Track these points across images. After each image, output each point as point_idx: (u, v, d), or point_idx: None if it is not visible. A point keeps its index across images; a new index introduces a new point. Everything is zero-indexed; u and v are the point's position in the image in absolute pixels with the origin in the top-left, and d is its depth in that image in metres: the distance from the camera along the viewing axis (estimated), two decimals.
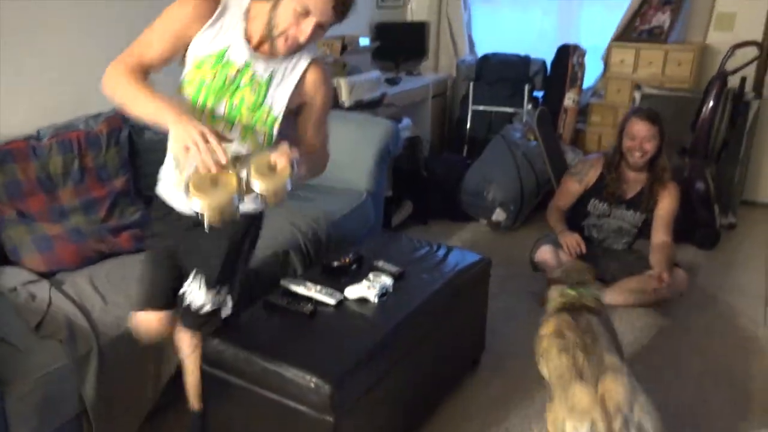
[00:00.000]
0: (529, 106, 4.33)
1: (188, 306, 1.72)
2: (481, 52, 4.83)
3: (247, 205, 1.62)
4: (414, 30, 4.89)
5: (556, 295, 2.05)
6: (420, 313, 1.98)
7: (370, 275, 2.05)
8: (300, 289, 1.99)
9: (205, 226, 1.39)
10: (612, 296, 2.84)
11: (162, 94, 1.44)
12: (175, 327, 1.83)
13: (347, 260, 2.17)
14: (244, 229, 1.71)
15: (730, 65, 3.49)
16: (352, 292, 1.98)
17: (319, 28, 1.46)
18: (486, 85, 4.48)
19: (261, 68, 1.53)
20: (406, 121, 3.83)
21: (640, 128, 2.81)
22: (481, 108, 4.50)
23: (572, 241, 2.92)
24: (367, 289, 1.97)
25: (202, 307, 1.71)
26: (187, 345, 1.85)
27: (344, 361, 1.69)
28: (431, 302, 2.04)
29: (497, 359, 2.49)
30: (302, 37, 1.46)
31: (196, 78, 1.51)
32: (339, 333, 1.82)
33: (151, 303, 1.78)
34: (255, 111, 1.54)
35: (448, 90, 4.95)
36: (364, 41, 4.21)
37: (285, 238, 2.51)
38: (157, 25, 1.50)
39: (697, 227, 3.56)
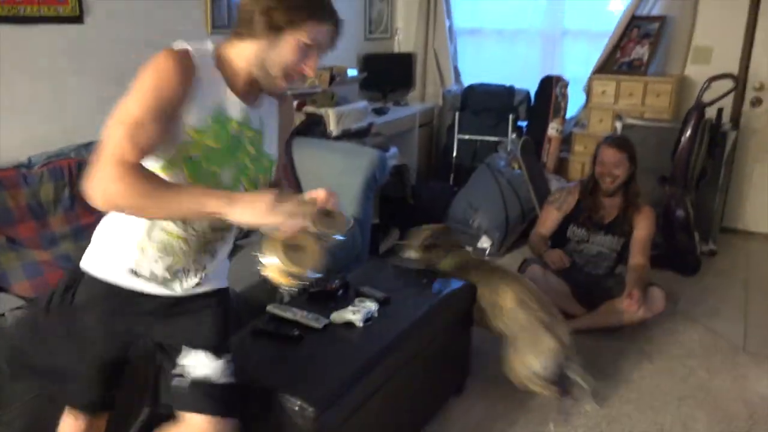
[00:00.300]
0: (514, 136, 4.42)
1: (203, 382, 1.44)
2: (466, 82, 4.95)
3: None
4: (401, 61, 5.00)
5: (448, 258, 2.60)
6: (405, 338, 2.01)
7: (356, 301, 2.09)
8: (287, 315, 2.02)
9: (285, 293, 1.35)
10: (592, 320, 2.90)
11: (177, 183, 1.30)
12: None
13: (333, 286, 2.21)
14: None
15: (708, 97, 3.60)
16: (338, 316, 2.01)
17: (319, 58, 1.39)
18: (471, 114, 4.58)
19: (254, 118, 1.43)
20: (393, 150, 3.90)
21: (609, 154, 2.93)
22: (466, 137, 4.59)
23: (555, 255, 3.00)
24: (352, 314, 2.00)
25: (218, 378, 1.46)
26: None
27: (329, 384, 1.71)
28: (416, 327, 2.07)
29: (482, 384, 2.51)
30: (311, 71, 1.37)
31: (199, 150, 1.34)
32: (324, 357, 1.85)
33: (77, 400, 1.53)
34: (259, 162, 1.46)
35: (435, 119, 5.05)
36: (352, 72, 4.31)
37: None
38: (138, 108, 1.23)
39: (677, 254, 3.63)
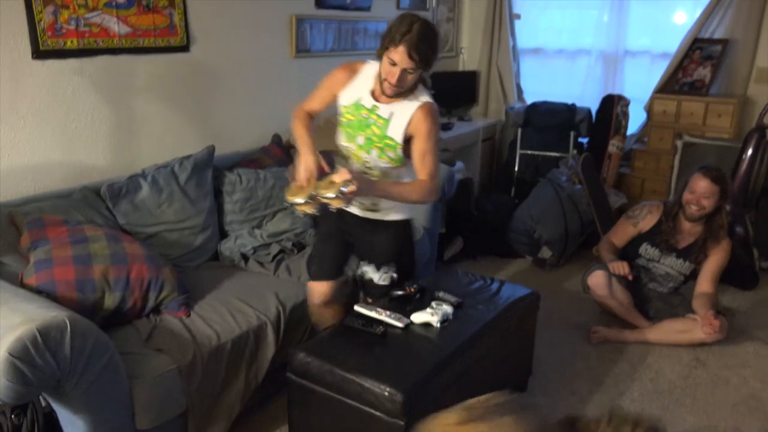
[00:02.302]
0: (575, 152, 4.60)
1: (369, 281, 2.37)
2: (529, 100, 5.15)
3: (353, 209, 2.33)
4: (466, 78, 5.24)
5: None
6: (477, 338, 2.24)
7: (433, 303, 2.33)
8: (372, 314, 2.28)
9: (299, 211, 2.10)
10: (654, 335, 3.05)
11: (310, 132, 2.22)
12: (333, 297, 2.49)
13: (411, 290, 2.46)
14: (394, 231, 2.35)
15: None
16: (418, 317, 2.26)
17: (406, 72, 2.00)
18: (534, 130, 4.77)
19: (384, 110, 2.15)
20: (459, 165, 4.14)
21: (703, 185, 2.97)
22: (528, 152, 4.79)
23: (619, 265, 3.08)
24: (431, 316, 2.25)
25: (378, 280, 2.34)
26: (336, 315, 2.47)
27: (413, 374, 1.97)
28: (486, 329, 2.31)
29: (543, 383, 2.72)
30: (393, 80, 2.02)
31: (344, 119, 2.23)
32: (407, 351, 2.11)
33: (321, 275, 2.47)
34: (382, 140, 2.16)
35: (497, 134, 5.27)
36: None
37: (351, 266, 2.84)
38: (319, 87, 2.29)
39: (737, 269, 3.73)
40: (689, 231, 3.10)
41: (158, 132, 3.02)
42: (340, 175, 1.98)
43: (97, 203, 2.52)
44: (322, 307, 2.50)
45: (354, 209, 2.33)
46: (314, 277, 2.50)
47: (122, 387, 1.87)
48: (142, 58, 2.87)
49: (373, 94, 2.16)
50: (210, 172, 2.87)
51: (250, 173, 3.03)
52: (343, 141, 2.27)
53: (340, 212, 2.23)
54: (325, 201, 2.00)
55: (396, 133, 2.14)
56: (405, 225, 2.38)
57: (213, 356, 2.18)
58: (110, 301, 2.15)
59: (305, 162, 2.10)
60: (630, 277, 3.10)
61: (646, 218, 3.20)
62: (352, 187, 1.96)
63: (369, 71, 2.18)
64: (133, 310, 2.22)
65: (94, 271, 2.13)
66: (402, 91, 2.08)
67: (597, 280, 3.14)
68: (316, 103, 2.30)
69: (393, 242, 2.36)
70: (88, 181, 2.64)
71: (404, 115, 2.13)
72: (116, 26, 2.73)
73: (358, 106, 2.18)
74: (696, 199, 2.99)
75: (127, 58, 2.81)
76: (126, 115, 2.86)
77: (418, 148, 2.14)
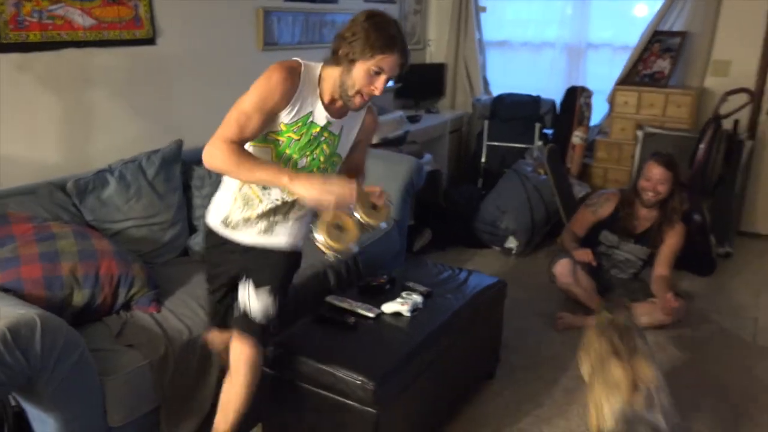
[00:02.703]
0: (540, 143, 4.68)
1: (244, 313, 1.92)
2: (495, 92, 5.22)
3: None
4: (433, 71, 5.29)
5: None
6: (446, 327, 2.30)
7: (403, 294, 2.38)
8: (343, 305, 2.32)
9: (330, 257, 1.83)
10: None
11: (263, 160, 1.79)
12: (230, 340, 1.99)
13: (382, 280, 2.50)
14: (296, 256, 2.06)
15: (726, 109, 3.83)
16: (389, 307, 2.30)
17: (388, 81, 1.79)
18: (500, 122, 4.84)
19: (335, 126, 1.88)
20: (427, 157, 4.19)
21: (656, 171, 3.09)
22: (495, 143, 4.86)
23: (582, 253, 3.21)
24: (401, 305, 2.30)
25: (258, 312, 1.91)
26: (236, 356, 1.94)
27: (384, 363, 2.01)
28: (455, 318, 2.36)
29: (510, 371, 2.79)
30: (378, 92, 1.77)
31: (284, 138, 1.82)
32: (378, 341, 2.15)
33: (214, 323, 2.18)
34: (329, 159, 1.91)
35: (464, 126, 5.33)
36: (389, 82, 4.59)
37: (323, 260, 2.85)
38: (250, 105, 1.73)
39: (694, 255, 3.86)
40: (645, 216, 3.22)
41: (124, 126, 2.98)
42: (380, 194, 1.87)
43: (63, 199, 2.49)
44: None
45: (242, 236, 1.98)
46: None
47: (93, 384, 1.87)
48: (108, 50, 2.84)
49: (326, 107, 1.83)
50: (178, 166, 2.86)
51: None
52: (269, 168, 1.77)
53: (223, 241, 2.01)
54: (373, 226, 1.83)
55: (344, 148, 1.96)
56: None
57: (185, 351, 2.18)
58: (79, 297, 2.13)
59: (344, 186, 1.71)
60: (594, 264, 3.21)
61: (604, 206, 3.30)
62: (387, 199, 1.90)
63: (310, 76, 1.81)
64: (103, 307, 2.21)
65: (62, 268, 2.11)
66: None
67: (562, 268, 3.24)
68: (253, 131, 1.76)
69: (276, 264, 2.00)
70: (54, 177, 2.60)
71: (354, 126, 1.95)
72: (80, 18, 2.69)
73: (307, 123, 1.82)
74: (652, 186, 3.11)
75: (92, 51, 2.77)
76: (91, 108, 2.83)
77: (363, 147, 2.06)
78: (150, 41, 3.02)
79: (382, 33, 1.71)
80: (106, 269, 2.22)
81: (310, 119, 1.82)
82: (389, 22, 1.75)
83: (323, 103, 1.83)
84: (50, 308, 1.88)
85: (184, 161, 2.92)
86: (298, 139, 1.83)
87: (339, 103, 1.84)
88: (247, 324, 1.92)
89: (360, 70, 1.73)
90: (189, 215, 2.92)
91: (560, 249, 3.41)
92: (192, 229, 2.92)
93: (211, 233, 2.05)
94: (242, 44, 3.58)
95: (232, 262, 2.02)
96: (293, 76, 1.76)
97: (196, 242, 2.86)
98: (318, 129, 1.85)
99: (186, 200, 2.91)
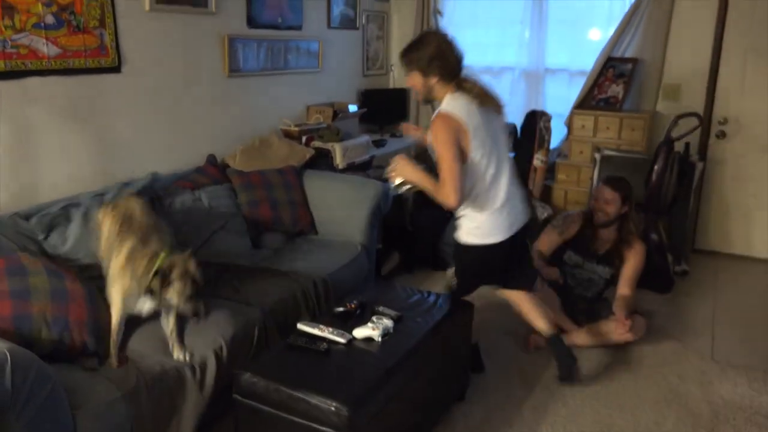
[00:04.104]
0: None
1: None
2: None
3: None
4: (396, 95, 5.38)
5: None
6: (417, 350, 2.33)
7: (374, 318, 2.41)
8: (315, 331, 2.33)
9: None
10: (581, 338, 3.23)
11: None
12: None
13: (353, 306, 2.53)
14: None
15: (677, 132, 4.00)
16: (360, 332, 2.33)
17: (409, 77, 2.53)
18: None
19: None
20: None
21: (604, 193, 3.27)
22: None
23: (551, 271, 3.34)
24: (372, 330, 2.33)
25: None
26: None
27: (357, 388, 2.03)
28: (425, 341, 2.40)
29: (480, 391, 2.84)
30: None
31: None
32: (351, 367, 2.17)
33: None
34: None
35: (429, 150, 5.40)
36: (353, 107, 4.67)
37: (292, 286, 2.87)
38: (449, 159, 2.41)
39: (652, 274, 3.99)
40: (606, 238, 3.35)
41: (92, 155, 2.97)
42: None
43: (29, 230, 2.46)
44: None
45: None
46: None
47: (65, 417, 1.84)
48: (73, 79, 2.83)
49: None
50: (149, 198, 2.85)
51: (186, 194, 3.03)
52: None
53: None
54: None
55: (431, 148, 2.49)
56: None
57: (157, 383, 2.17)
58: (48, 339, 2.08)
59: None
60: (560, 282, 3.33)
61: (569, 227, 3.43)
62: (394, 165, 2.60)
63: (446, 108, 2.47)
64: (73, 352, 2.15)
65: (32, 307, 2.07)
66: (423, 98, 2.57)
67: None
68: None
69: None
70: (18, 208, 2.57)
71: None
72: (45, 47, 2.68)
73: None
74: (600, 206, 3.28)
75: (57, 80, 2.77)
76: (57, 138, 2.81)
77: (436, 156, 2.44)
78: (116, 69, 3.03)
79: None
80: (76, 315, 2.17)
81: None
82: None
83: None
84: (19, 344, 1.85)
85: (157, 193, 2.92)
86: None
87: None
88: None
89: None
90: None
91: None
92: None
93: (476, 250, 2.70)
94: (208, 71, 3.60)
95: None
96: (453, 121, 2.45)
97: None
98: None
99: None
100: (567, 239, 3.43)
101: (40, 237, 2.49)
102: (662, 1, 4.42)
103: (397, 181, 2.63)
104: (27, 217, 2.50)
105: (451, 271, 2.95)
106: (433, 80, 2.48)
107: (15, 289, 2.07)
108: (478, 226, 2.63)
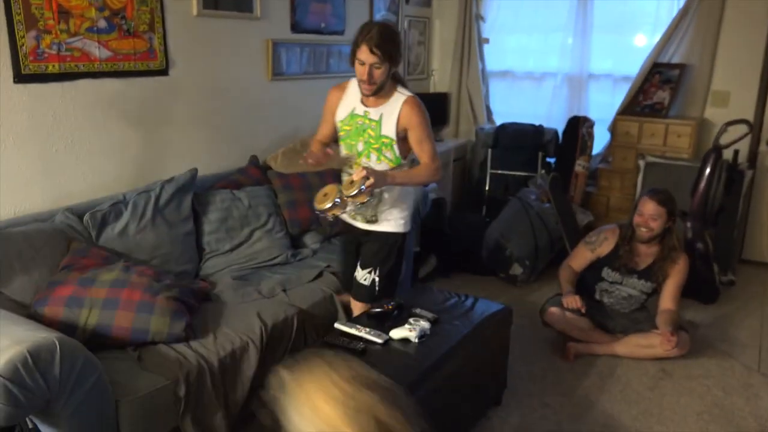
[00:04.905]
0: (543, 171, 4.75)
1: (354, 278, 2.65)
2: (498, 121, 5.30)
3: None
4: (437, 100, 5.37)
5: None
6: (454, 353, 2.32)
7: (411, 320, 2.41)
8: (352, 331, 2.35)
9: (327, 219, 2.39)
10: (622, 348, 3.17)
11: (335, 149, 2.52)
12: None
13: (390, 307, 2.54)
14: (384, 240, 2.59)
15: (725, 139, 3.90)
16: (397, 333, 2.33)
17: (373, 68, 2.28)
18: (503, 151, 4.91)
19: (374, 113, 2.44)
20: (432, 185, 4.24)
21: (649, 207, 3.10)
22: (498, 172, 4.93)
23: (571, 300, 3.16)
24: (409, 332, 2.33)
25: (359, 279, 2.61)
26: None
27: None
28: (463, 344, 2.39)
29: (517, 397, 2.81)
30: (364, 77, 2.30)
31: (342, 132, 2.53)
32: (387, 366, 2.16)
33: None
34: (378, 140, 2.44)
35: (468, 154, 5.40)
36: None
37: (331, 284, 2.91)
38: (322, 115, 2.60)
39: (698, 284, 3.89)
40: (646, 252, 3.21)
41: (138, 155, 3.05)
42: (357, 174, 2.27)
43: (80, 226, 2.55)
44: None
45: (357, 223, 2.62)
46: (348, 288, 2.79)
47: (109, 406, 1.90)
48: (122, 81, 2.92)
49: (362, 101, 2.46)
50: (191, 195, 2.92)
51: (226, 194, 3.09)
52: (344, 153, 2.54)
53: (349, 227, 2.66)
54: (350, 199, 2.27)
55: (389, 130, 2.43)
56: (395, 237, 2.61)
57: (200, 375, 2.21)
58: (93, 318, 2.15)
59: (311, 151, 2.52)
60: (583, 311, 3.15)
61: (603, 244, 3.28)
62: (370, 181, 2.25)
63: (355, 85, 2.46)
64: (119, 331, 2.22)
65: (88, 292, 2.17)
66: (377, 88, 2.35)
67: (552, 318, 3.24)
68: (324, 128, 2.62)
69: (380, 249, 2.60)
70: (69, 204, 2.66)
71: (393, 113, 2.41)
72: (97, 50, 2.78)
73: (352, 115, 2.48)
74: (644, 221, 3.11)
75: (108, 82, 2.85)
76: (106, 138, 2.90)
77: (414, 137, 2.43)
78: (163, 72, 3.11)
79: (360, 32, 2.29)
80: (128, 296, 2.24)
81: (354, 112, 2.47)
82: (368, 23, 2.34)
83: (362, 100, 2.45)
84: (67, 329, 1.92)
85: (194, 188, 2.99)
86: (350, 129, 2.49)
87: (372, 97, 2.40)
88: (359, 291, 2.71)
89: (355, 65, 2.33)
90: (199, 242, 2.97)
91: (555, 294, 3.36)
92: (201, 257, 2.97)
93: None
94: (252, 74, 3.67)
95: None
96: (339, 89, 2.55)
97: (206, 269, 2.91)
98: (360, 117, 2.46)
99: (196, 227, 2.96)
100: (601, 256, 3.28)
101: (93, 233, 2.57)
102: (712, 5, 4.32)
103: (328, 204, 2.32)
104: (78, 213, 2.59)
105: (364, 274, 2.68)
106: (389, 72, 2.40)
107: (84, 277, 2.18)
108: (409, 214, 2.66)
